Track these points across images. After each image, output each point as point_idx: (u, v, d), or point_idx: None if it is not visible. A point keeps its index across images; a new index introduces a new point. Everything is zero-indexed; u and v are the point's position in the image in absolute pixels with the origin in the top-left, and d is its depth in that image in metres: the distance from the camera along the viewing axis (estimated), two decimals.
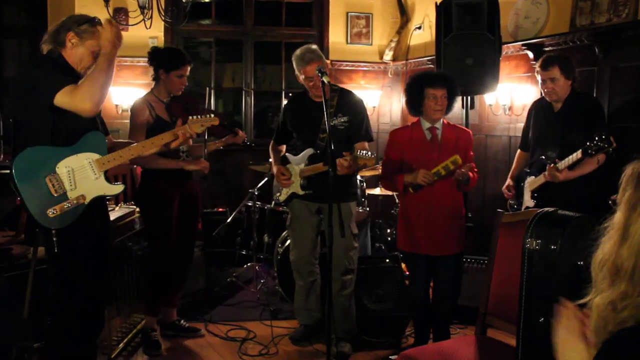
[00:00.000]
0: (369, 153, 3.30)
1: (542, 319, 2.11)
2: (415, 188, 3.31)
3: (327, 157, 2.98)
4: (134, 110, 3.62)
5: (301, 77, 3.57)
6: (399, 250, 3.55)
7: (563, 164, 3.38)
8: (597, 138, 3.18)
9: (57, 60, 2.61)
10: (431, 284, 3.51)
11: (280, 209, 4.86)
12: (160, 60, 3.65)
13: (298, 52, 3.57)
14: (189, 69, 3.69)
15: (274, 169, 3.79)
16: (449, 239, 3.33)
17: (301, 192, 3.67)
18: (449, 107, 3.35)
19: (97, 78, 2.46)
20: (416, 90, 3.35)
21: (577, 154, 3.30)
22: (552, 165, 3.40)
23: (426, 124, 3.38)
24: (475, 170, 3.39)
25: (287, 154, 3.85)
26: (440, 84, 3.29)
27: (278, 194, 3.84)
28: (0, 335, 2.28)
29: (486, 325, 2.73)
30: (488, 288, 2.72)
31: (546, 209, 2.28)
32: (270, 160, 3.90)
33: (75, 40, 2.62)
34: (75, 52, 2.64)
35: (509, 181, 3.90)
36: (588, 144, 3.22)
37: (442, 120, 3.39)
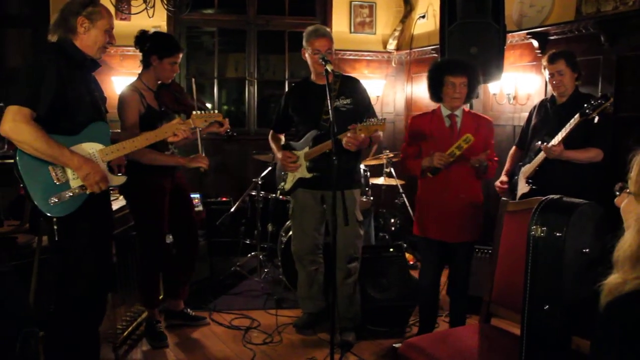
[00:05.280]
0: (376, 119, 3.32)
1: (547, 306, 2.11)
2: (434, 172, 3.30)
3: (332, 144, 2.97)
4: (125, 101, 3.47)
5: (308, 51, 3.54)
6: (414, 236, 3.55)
7: (560, 134, 3.40)
8: (592, 101, 3.27)
9: (66, 50, 2.60)
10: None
11: (285, 198, 4.85)
12: (153, 46, 3.53)
13: (311, 27, 3.58)
14: (181, 56, 3.61)
15: (279, 155, 3.75)
16: (464, 226, 3.31)
17: (308, 175, 3.64)
18: (469, 95, 3.34)
19: (38, 145, 2.41)
20: (436, 77, 3.34)
21: (575, 118, 3.33)
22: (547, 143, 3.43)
23: (446, 111, 3.37)
24: (495, 158, 3.38)
25: (289, 141, 3.83)
26: (460, 72, 3.27)
27: (282, 184, 3.82)
28: (6, 322, 2.29)
29: (490, 314, 2.73)
30: (492, 277, 2.72)
31: (551, 196, 2.27)
32: (273, 148, 3.87)
33: (86, 23, 2.62)
34: (88, 36, 2.64)
35: (502, 177, 3.91)
36: (585, 105, 3.28)
37: (462, 107, 3.38)
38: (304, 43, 3.57)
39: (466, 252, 3.38)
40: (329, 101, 3.08)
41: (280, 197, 4.83)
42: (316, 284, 3.89)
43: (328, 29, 3.62)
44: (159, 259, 3.67)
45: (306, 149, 3.64)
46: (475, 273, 3.68)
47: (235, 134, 3.68)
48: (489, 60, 4.28)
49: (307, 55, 3.57)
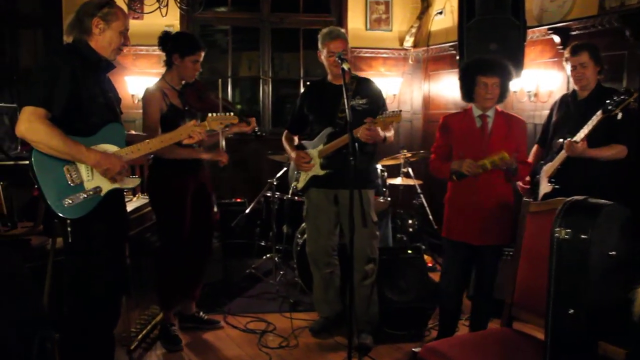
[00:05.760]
0: (392, 111, 3.35)
1: (572, 310, 2.08)
2: (459, 176, 3.28)
3: (349, 146, 2.96)
4: (147, 100, 3.55)
5: (323, 54, 3.60)
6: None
7: (582, 131, 3.35)
8: (615, 97, 3.22)
9: (81, 51, 2.62)
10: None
11: (300, 199, 4.86)
12: (175, 45, 3.60)
13: (325, 29, 3.62)
14: (203, 54, 3.66)
15: (292, 155, 3.78)
16: (491, 228, 3.28)
17: (321, 173, 3.66)
18: (502, 95, 3.31)
19: (54, 143, 2.45)
20: (468, 77, 3.32)
21: (598, 115, 3.29)
22: (569, 140, 3.38)
23: (477, 111, 3.34)
24: (529, 161, 3.36)
25: (302, 141, 3.86)
26: (492, 72, 3.24)
27: (295, 182, 3.85)
28: (23, 324, 2.30)
29: (512, 317, 2.71)
30: (514, 279, 2.70)
31: (576, 197, 2.25)
32: (286, 148, 3.89)
33: (102, 24, 2.64)
34: (103, 37, 2.66)
35: None
36: (608, 101, 3.23)
37: (495, 108, 3.35)
38: (319, 45, 3.63)
39: (493, 256, 3.35)
40: (345, 99, 3.08)
41: (295, 197, 4.85)
42: (332, 287, 3.89)
43: (343, 30, 3.66)
44: (178, 259, 3.69)
45: (320, 147, 3.66)
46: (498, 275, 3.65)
47: (263, 134, 3.75)
48: (508, 57, 4.23)
49: (322, 57, 3.63)
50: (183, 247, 3.67)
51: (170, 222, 3.63)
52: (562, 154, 3.45)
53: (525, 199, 3.55)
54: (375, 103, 3.65)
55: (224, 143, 3.56)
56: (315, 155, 3.68)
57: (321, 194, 3.73)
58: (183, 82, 3.68)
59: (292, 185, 3.89)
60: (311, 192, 3.77)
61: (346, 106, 3.09)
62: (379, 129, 3.41)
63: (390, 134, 3.64)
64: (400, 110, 3.39)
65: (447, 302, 3.49)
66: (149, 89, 3.62)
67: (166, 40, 3.64)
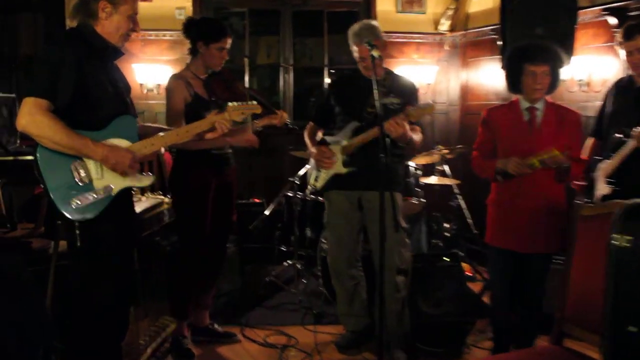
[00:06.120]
0: (423, 103, 3.35)
1: (633, 328, 2.05)
2: (505, 176, 3.26)
3: (380, 144, 2.94)
4: (170, 89, 3.64)
5: (355, 53, 3.63)
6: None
7: None
8: None
9: (86, 37, 2.64)
10: None
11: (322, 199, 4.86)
12: (199, 31, 3.67)
13: (356, 26, 3.64)
14: (229, 41, 3.71)
15: (313, 150, 3.80)
16: (541, 234, 3.25)
17: (344, 170, 3.67)
18: (552, 85, 3.28)
19: (58, 137, 2.46)
20: (514, 66, 3.30)
21: None
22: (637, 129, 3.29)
23: (525, 104, 3.31)
24: (584, 157, 3.32)
25: (324, 136, 3.87)
26: (541, 59, 3.20)
27: (314, 181, 3.85)
28: (28, 336, 2.34)
29: (563, 334, 2.68)
30: (565, 291, 2.67)
31: (637, 200, 2.21)
32: (307, 142, 3.91)
33: (109, 8, 2.66)
34: (110, 21, 2.68)
35: None
36: None
37: (545, 99, 3.31)
38: (349, 41, 3.65)
39: (541, 265, 3.31)
40: (374, 89, 3.06)
41: (319, 198, 4.84)
42: (357, 299, 3.88)
43: (374, 25, 3.65)
44: (196, 263, 3.73)
45: (344, 142, 3.66)
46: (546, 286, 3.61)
47: (296, 127, 3.79)
48: (557, 41, 4.20)
49: (355, 56, 3.65)
50: (203, 249, 3.72)
51: (189, 221, 3.69)
52: (624, 150, 3.38)
53: (577, 201, 3.52)
54: (408, 104, 3.61)
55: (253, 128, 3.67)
56: (338, 151, 3.69)
57: (343, 197, 3.73)
58: (209, 70, 3.74)
59: (311, 183, 3.89)
60: (332, 195, 3.78)
61: (376, 97, 3.07)
62: (406, 125, 3.39)
63: (417, 137, 3.63)
64: (433, 102, 3.38)
65: (499, 319, 3.46)
66: (172, 77, 3.71)
67: (190, 27, 3.73)
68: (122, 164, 2.61)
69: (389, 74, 3.72)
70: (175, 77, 3.69)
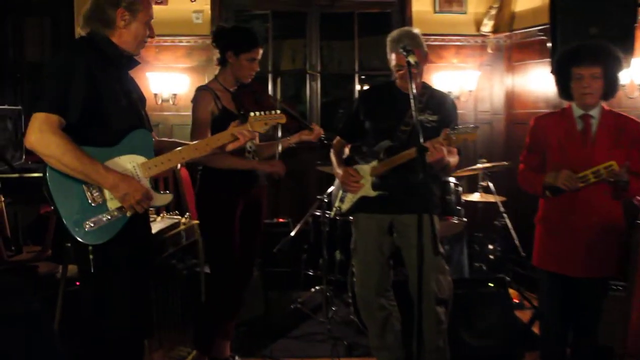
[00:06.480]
0: (466, 127, 3.27)
1: None
2: (555, 192, 3.24)
3: (418, 161, 2.94)
4: (196, 101, 3.70)
5: (392, 62, 3.62)
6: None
7: None
8: None
9: (99, 47, 2.70)
10: None
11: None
12: (229, 40, 3.74)
13: (395, 33, 3.62)
14: (261, 51, 3.78)
15: (339, 171, 3.78)
16: (596, 257, 3.21)
17: (373, 194, 3.65)
18: (609, 89, 3.26)
19: (67, 159, 2.49)
20: (562, 70, 3.31)
21: None
22: None
23: (578, 111, 3.30)
24: None
25: (353, 155, 3.87)
26: (587, 61, 3.20)
27: (340, 203, 3.85)
28: None
29: None
30: (626, 321, 2.65)
31: None
32: (333, 161, 3.90)
33: (127, 16, 2.72)
34: (129, 30, 2.74)
35: None
36: None
37: (601, 106, 3.29)
38: (387, 49, 3.65)
39: (596, 291, 3.28)
40: (412, 100, 3.05)
41: (350, 217, 4.84)
42: (390, 331, 3.84)
43: (416, 33, 3.60)
44: (226, 289, 3.76)
45: (374, 163, 3.65)
46: (604, 316, 3.58)
47: (331, 141, 3.84)
48: (614, 42, 4.17)
49: (391, 65, 3.65)
50: (232, 275, 3.75)
51: (217, 243, 3.73)
52: None
53: (639, 221, 3.48)
54: (447, 122, 3.58)
55: (279, 150, 3.73)
56: (367, 171, 3.67)
57: (372, 221, 3.71)
58: (238, 82, 3.80)
59: (336, 206, 3.89)
60: (359, 218, 3.77)
61: (413, 114, 3.06)
62: (444, 150, 3.32)
63: (453, 160, 3.60)
64: (477, 126, 3.31)
65: (550, 352, 3.42)
66: (199, 89, 3.77)
67: (220, 36, 3.79)
68: (132, 197, 2.60)
69: (426, 87, 3.71)
70: (202, 89, 3.75)
